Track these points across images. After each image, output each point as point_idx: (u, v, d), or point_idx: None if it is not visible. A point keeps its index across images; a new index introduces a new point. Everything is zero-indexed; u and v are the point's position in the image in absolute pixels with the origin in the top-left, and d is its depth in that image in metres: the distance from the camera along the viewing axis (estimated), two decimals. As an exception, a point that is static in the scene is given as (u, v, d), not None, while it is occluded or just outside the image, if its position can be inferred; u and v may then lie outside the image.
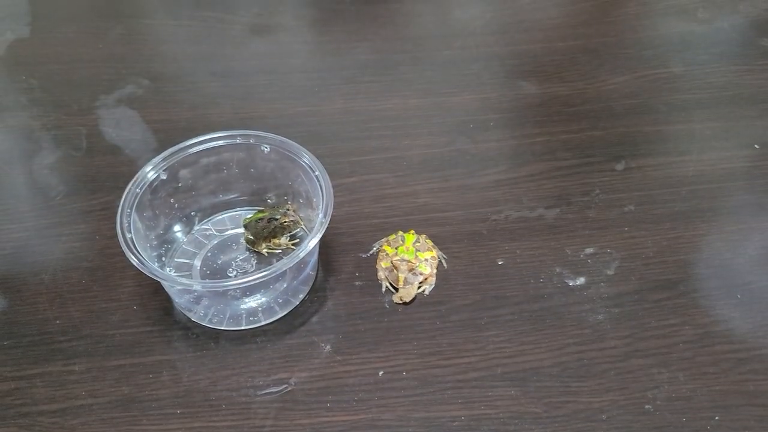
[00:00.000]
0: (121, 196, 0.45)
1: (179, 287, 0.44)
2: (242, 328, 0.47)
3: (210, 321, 0.47)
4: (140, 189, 0.46)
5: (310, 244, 0.43)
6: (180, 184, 0.49)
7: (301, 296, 0.48)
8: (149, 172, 0.47)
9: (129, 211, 0.45)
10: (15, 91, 0.66)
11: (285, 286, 0.47)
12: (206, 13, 0.74)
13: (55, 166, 0.58)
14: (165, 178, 0.48)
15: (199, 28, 0.73)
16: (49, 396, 0.44)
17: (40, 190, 0.56)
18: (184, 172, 0.48)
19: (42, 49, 0.70)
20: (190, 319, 0.47)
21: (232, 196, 0.52)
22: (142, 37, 0.72)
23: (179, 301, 0.47)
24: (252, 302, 0.46)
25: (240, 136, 0.49)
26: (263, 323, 0.47)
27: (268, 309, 0.47)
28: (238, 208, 0.52)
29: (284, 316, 0.47)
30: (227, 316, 0.46)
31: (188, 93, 0.65)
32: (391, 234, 0.51)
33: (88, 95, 0.65)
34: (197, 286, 0.43)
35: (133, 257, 0.42)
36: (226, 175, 0.50)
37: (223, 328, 0.47)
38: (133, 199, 0.45)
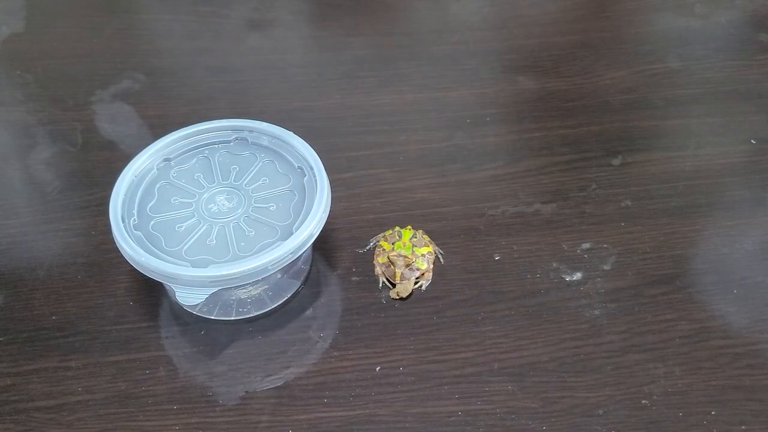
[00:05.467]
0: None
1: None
2: (232, 318, 0.47)
3: (200, 310, 0.47)
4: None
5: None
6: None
7: (293, 289, 0.48)
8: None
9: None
10: (10, 86, 0.65)
11: (277, 277, 0.47)
12: (202, 8, 0.74)
13: (51, 162, 0.58)
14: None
15: (195, 23, 0.72)
16: (46, 392, 0.44)
17: (36, 185, 0.56)
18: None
19: (37, 43, 0.70)
20: (186, 315, 0.47)
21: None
22: (138, 32, 0.72)
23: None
24: (242, 293, 0.46)
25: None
26: (253, 314, 0.47)
27: (258, 300, 0.47)
28: None
29: (279, 310, 0.47)
30: (218, 305, 0.46)
31: (184, 88, 0.65)
32: (388, 229, 0.51)
33: (84, 90, 0.65)
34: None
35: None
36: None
37: (213, 317, 0.47)
38: None
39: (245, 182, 0.46)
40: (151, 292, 0.49)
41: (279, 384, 0.44)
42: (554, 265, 0.50)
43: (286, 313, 0.47)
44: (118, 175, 0.45)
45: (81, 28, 0.72)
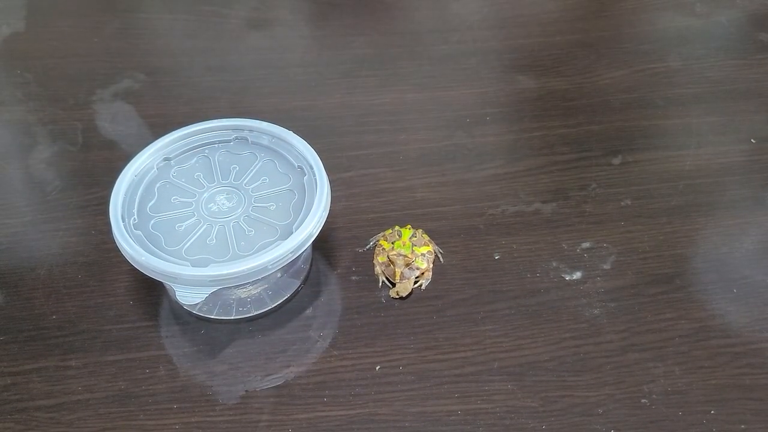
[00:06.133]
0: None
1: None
2: (232, 317, 0.47)
3: (200, 309, 0.47)
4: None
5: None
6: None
7: (293, 288, 0.48)
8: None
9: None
10: (10, 85, 0.65)
11: (277, 276, 0.47)
12: (203, 7, 0.74)
13: (51, 161, 0.58)
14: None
15: (195, 22, 0.72)
16: (46, 391, 0.44)
17: (36, 184, 0.56)
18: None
19: (37, 43, 0.70)
20: (186, 314, 0.47)
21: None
22: (138, 31, 0.72)
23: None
24: (242, 293, 0.46)
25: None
26: (253, 313, 0.47)
27: (257, 300, 0.47)
28: None
29: (279, 310, 0.47)
30: (218, 305, 0.46)
31: (185, 87, 0.65)
32: (387, 229, 0.51)
33: (84, 90, 0.65)
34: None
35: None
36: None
37: (212, 316, 0.47)
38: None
39: (245, 181, 0.46)
40: (151, 292, 0.49)
41: (279, 383, 0.44)
42: (554, 264, 0.50)
43: (285, 313, 0.48)
44: (118, 175, 0.45)
45: (81, 28, 0.72)
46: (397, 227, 0.51)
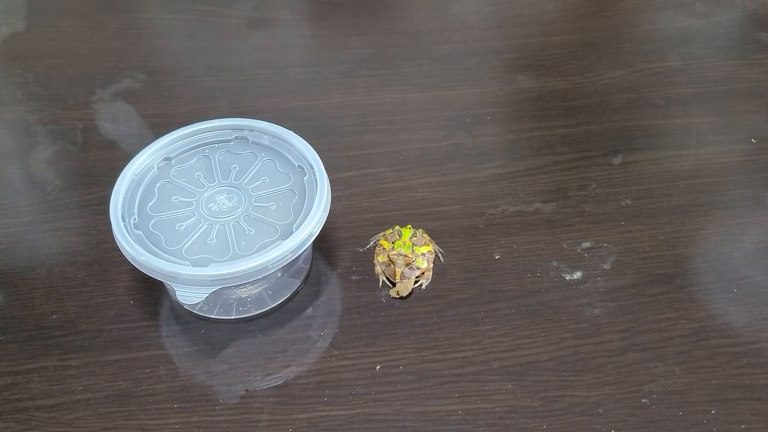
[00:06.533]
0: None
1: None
2: (232, 317, 0.47)
3: (200, 309, 0.47)
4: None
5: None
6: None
7: (293, 288, 0.48)
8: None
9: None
10: (10, 85, 0.65)
11: (277, 276, 0.47)
12: (203, 7, 0.74)
13: (51, 161, 0.58)
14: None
15: (195, 22, 0.72)
16: (46, 391, 0.44)
17: (36, 184, 0.56)
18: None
19: (38, 43, 0.70)
20: (186, 314, 0.47)
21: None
22: (139, 31, 0.72)
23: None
24: (242, 292, 0.46)
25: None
26: (254, 313, 0.47)
27: (258, 299, 0.47)
28: None
29: (279, 309, 0.47)
30: (218, 304, 0.46)
31: (185, 87, 0.65)
32: (388, 228, 0.51)
33: (85, 89, 0.65)
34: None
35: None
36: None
37: (213, 316, 0.47)
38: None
39: (245, 181, 0.46)
40: (151, 291, 0.49)
41: (279, 383, 0.44)
42: (554, 264, 0.50)
43: (286, 312, 0.48)
44: (119, 174, 0.45)
45: (81, 28, 0.72)
46: (397, 227, 0.51)
